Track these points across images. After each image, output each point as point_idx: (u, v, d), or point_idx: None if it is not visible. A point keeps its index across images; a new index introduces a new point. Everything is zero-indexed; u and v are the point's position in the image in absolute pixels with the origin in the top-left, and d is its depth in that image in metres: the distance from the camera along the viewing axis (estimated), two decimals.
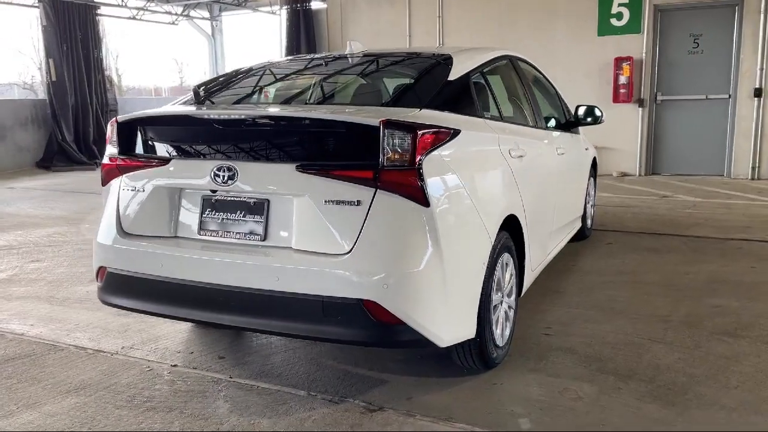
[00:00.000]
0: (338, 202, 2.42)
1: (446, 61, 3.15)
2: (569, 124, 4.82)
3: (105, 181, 3.01)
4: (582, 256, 5.14)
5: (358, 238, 2.39)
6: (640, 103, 9.37)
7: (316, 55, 3.82)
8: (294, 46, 11.17)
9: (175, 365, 3.17)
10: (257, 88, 3.33)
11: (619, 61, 9.27)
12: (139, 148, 2.91)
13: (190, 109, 2.94)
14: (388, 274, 2.36)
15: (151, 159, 2.84)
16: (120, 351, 3.36)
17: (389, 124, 2.40)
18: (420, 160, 2.40)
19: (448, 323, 2.55)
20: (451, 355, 2.90)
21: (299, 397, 2.81)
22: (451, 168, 2.57)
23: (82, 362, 3.23)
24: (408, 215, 2.39)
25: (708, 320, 3.66)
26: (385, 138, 2.39)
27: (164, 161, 2.79)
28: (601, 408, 2.67)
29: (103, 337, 3.56)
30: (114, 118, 2.96)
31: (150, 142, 2.89)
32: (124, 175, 2.90)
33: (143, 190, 2.82)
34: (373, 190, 2.40)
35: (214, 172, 2.64)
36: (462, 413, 2.65)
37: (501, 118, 3.39)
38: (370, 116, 2.47)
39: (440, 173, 2.48)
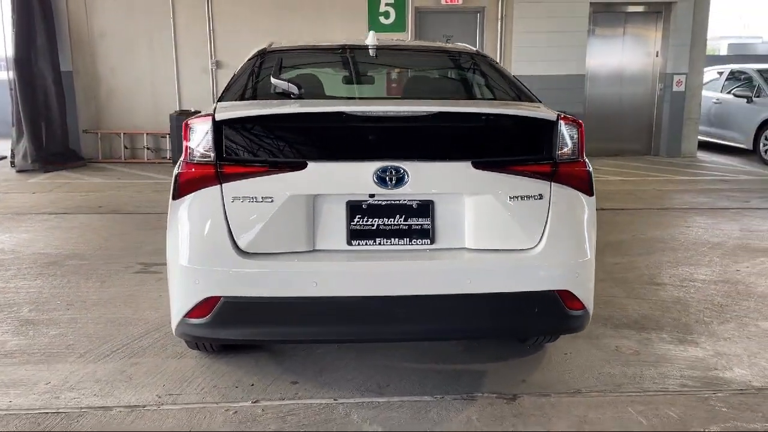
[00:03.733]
0: (523, 198, 2.45)
1: (487, 57, 3.30)
2: None
3: (184, 191, 2.43)
4: None
5: (544, 231, 2.47)
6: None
7: (361, 43, 3.43)
8: (26, 23, 9.28)
9: (256, 401, 2.75)
10: (335, 80, 2.98)
11: None
12: (254, 152, 2.44)
13: (334, 106, 2.52)
14: (576, 263, 2.50)
15: (277, 164, 2.40)
16: (162, 401, 2.74)
17: (565, 118, 2.51)
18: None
19: None
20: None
21: (432, 403, 2.74)
22: None
23: (135, 425, 2.57)
24: (580, 205, 2.55)
25: (624, 275, 4.51)
26: (561, 132, 2.50)
27: (298, 166, 2.39)
28: (661, 357, 3.21)
29: (112, 389, 2.83)
30: (207, 115, 2.40)
31: (274, 145, 2.44)
32: (226, 184, 2.38)
33: (269, 200, 2.37)
34: (550, 183, 2.49)
35: (378, 175, 2.38)
36: (580, 383, 2.92)
37: None
38: (541, 110, 2.54)
39: None
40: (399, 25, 10.14)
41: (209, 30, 10.02)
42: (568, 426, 2.57)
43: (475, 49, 3.51)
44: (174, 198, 2.47)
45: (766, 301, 4.01)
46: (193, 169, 2.42)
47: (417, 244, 2.46)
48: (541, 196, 2.48)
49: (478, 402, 2.75)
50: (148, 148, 10.15)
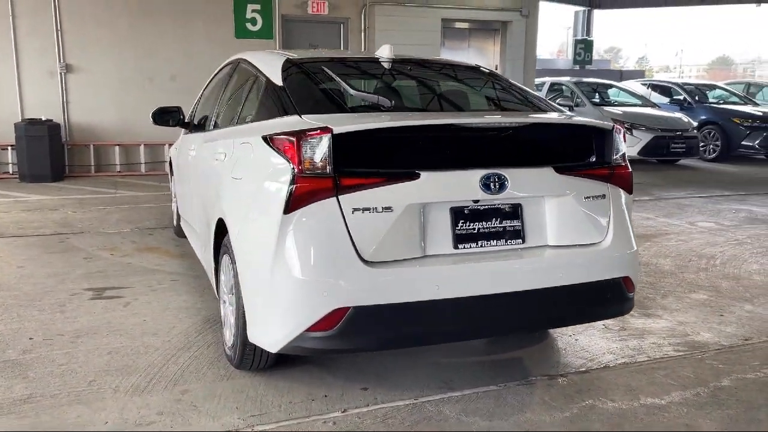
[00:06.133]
0: (593, 197, 2.80)
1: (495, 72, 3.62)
2: None
3: (298, 205, 2.41)
4: None
5: (608, 226, 2.84)
6: None
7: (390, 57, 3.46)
8: None
9: (345, 410, 2.77)
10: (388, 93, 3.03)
11: None
12: (371, 164, 2.48)
13: (438, 119, 2.64)
14: (631, 252, 2.90)
15: (394, 175, 2.47)
16: (250, 423, 2.65)
17: (616, 127, 2.90)
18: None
19: None
20: None
21: (502, 391, 2.98)
22: None
23: None
24: (626, 202, 2.95)
25: None
26: (615, 139, 2.89)
27: (412, 176, 2.49)
28: (643, 330, 3.77)
29: (185, 419, 2.66)
30: (322, 129, 2.39)
31: (390, 156, 2.51)
32: (344, 196, 2.41)
33: (389, 210, 2.44)
34: (608, 184, 2.87)
35: (484, 182, 2.57)
36: (603, 359, 3.34)
37: None
38: (598, 120, 2.90)
39: None
40: (266, 33, 10.08)
41: (57, 30, 9.10)
42: (624, 393, 2.97)
43: (475, 63, 3.81)
44: (285, 212, 2.43)
45: (679, 277, 4.82)
46: (309, 183, 2.41)
47: (512, 244, 2.70)
48: (604, 196, 2.85)
49: (538, 385, 3.05)
50: None
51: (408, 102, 3.34)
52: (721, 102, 14.09)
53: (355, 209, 2.43)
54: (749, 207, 7.91)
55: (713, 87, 15.26)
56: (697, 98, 14.31)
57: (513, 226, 2.70)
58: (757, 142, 12.45)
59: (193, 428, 2.61)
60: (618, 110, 11.96)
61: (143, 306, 4.00)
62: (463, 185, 2.58)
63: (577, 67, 18.66)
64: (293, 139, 2.45)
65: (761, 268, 5.14)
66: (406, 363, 3.23)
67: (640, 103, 12.96)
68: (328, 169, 2.43)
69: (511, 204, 2.70)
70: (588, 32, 18.01)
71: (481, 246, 2.65)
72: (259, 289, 2.63)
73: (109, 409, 2.74)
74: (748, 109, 13.16)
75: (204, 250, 3.87)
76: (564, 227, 2.78)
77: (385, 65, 3.40)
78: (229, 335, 3.13)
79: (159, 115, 4.76)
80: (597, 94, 13.08)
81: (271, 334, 2.57)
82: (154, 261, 5.03)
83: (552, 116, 3.11)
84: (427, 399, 2.89)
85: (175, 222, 5.79)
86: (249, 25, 9.99)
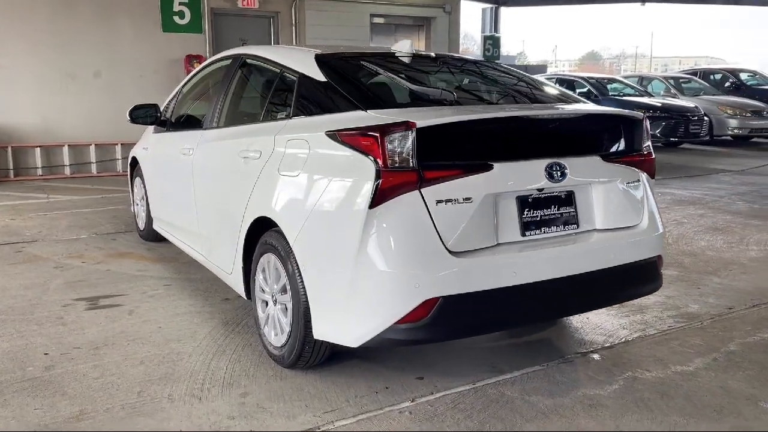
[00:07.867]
0: (632, 183, 3.00)
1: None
2: None
3: (383, 198, 2.43)
4: None
5: (644, 209, 3.06)
6: None
7: (424, 53, 3.48)
8: None
9: (413, 399, 2.82)
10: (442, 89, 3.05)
11: (190, 59, 9.57)
12: (451, 157, 2.54)
13: (509, 112, 2.75)
14: (661, 233, 3.12)
15: (472, 167, 2.54)
16: (328, 419, 2.64)
17: (645, 117, 3.11)
18: None
19: None
20: None
21: (547, 370, 3.14)
22: None
23: None
24: (651, 187, 3.18)
25: None
26: (646, 128, 3.11)
27: (487, 167, 2.57)
28: (640, 306, 4.06)
29: (260, 422, 2.61)
30: (404, 123, 2.41)
31: (467, 148, 2.57)
32: (427, 188, 2.45)
33: (469, 201, 2.50)
34: (640, 170, 3.08)
35: (548, 171, 2.70)
36: (620, 335, 3.59)
37: None
38: (631, 111, 3.10)
39: None
40: (195, 27, 9.75)
41: None
42: (654, 363, 3.22)
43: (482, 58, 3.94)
44: (371, 206, 2.44)
45: None
46: (394, 176, 2.44)
47: (569, 229, 2.85)
48: (638, 181, 3.07)
49: (577, 362, 3.24)
50: None
51: (462, 96, 3.40)
52: (621, 94, 15.12)
53: (438, 201, 2.49)
54: (671, 190, 8.60)
55: (612, 80, 16.35)
56: (597, 91, 15.30)
57: (569, 212, 2.86)
58: (657, 130, 13.49)
59: (271, 429, 2.57)
60: None
61: (149, 313, 3.83)
62: (530, 174, 2.71)
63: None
64: (376, 134, 2.46)
65: (709, 244, 5.65)
66: (448, 351, 3.32)
67: None
68: (412, 162, 2.46)
69: (567, 191, 2.85)
70: (496, 29, 18.81)
71: (544, 232, 2.79)
72: (335, 285, 2.61)
73: (176, 418, 2.64)
74: (648, 100, 14.21)
75: (215, 251, 3.76)
76: (609, 212, 2.96)
77: (417, 60, 3.44)
78: (275, 335, 3.08)
79: (135, 112, 4.57)
80: None
81: (354, 329, 2.58)
82: (133, 267, 4.79)
83: (597, 107, 3.30)
84: (484, 383, 2.99)
85: (141, 226, 5.52)
86: (177, 19, 9.61)
